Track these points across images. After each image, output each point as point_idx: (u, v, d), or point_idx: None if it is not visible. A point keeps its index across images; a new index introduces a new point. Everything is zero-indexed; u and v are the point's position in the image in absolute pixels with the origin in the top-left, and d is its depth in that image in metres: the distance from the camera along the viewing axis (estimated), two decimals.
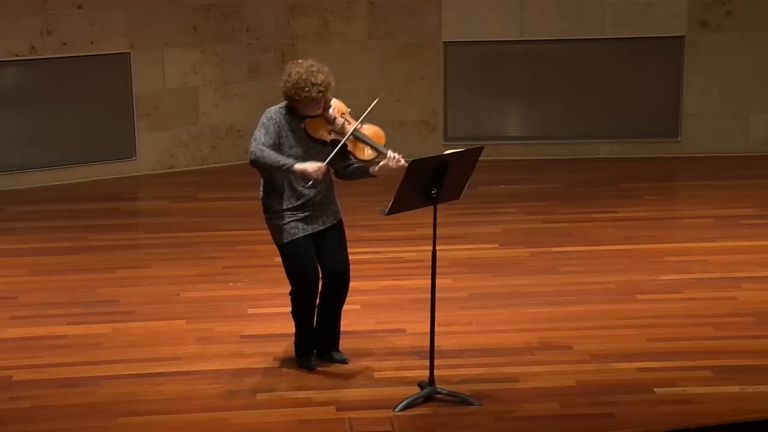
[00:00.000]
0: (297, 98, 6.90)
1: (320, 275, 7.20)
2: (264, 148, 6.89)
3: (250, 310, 8.33)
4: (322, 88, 6.87)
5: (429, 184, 6.65)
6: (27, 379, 7.26)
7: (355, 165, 7.08)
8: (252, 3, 11.98)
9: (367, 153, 6.98)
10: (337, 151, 6.88)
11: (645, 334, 7.87)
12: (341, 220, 7.21)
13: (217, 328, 8.02)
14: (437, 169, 6.63)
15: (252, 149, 6.93)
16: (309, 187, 6.95)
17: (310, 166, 6.83)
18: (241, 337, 7.88)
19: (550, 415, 6.79)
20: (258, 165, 6.95)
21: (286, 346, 7.60)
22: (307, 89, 6.85)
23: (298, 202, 7.02)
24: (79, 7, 11.42)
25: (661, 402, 6.92)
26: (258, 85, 12.09)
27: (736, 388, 7.08)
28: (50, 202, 11.06)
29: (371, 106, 6.94)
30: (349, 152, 7.00)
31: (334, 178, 7.18)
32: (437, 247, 6.86)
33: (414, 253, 9.00)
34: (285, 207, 7.03)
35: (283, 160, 6.88)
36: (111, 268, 9.24)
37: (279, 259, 9.28)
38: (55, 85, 11.51)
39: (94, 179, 11.73)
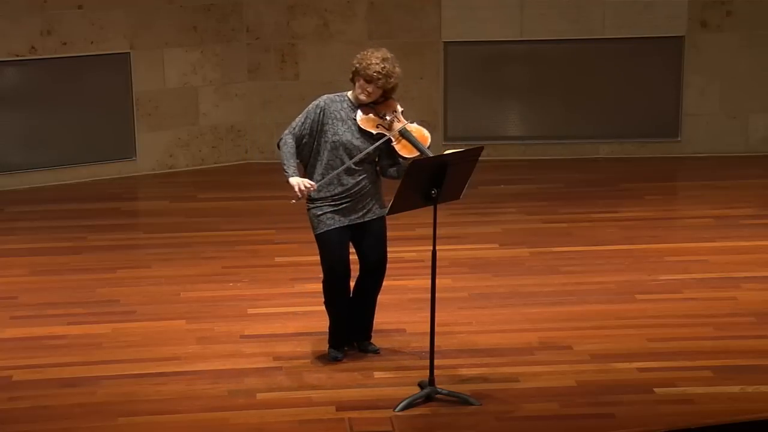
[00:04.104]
0: (357, 66, 7.08)
1: (360, 265, 7.32)
2: (289, 140, 7.11)
3: (250, 310, 8.32)
4: (379, 70, 7.04)
5: (429, 184, 6.65)
6: (27, 379, 7.25)
7: (398, 166, 7.18)
8: (252, 3, 11.97)
9: (410, 151, 7.09)
10: (384, 148, 7.09)
11: (645, 334, 7.86)
12: (384, 216, 7.23)
13: (217, 328, 8.02)
14: (437, 169, 6.63)
15: (283, 133, 7.15)
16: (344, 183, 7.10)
17: (298, 184, 6.99)
18: (241, 337, 7.88)
19: (550, 415, 6.79)
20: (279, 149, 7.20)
21: (287, 346, 7.61)
22: (366, 62, 7.05)
23: (336, 192, 7.10)
24: (79, 7, 11.42)
25: (661, 402, 6.91)
26: (258, 85, 12.09)
27: (736, 388, 7.07)
28: (50, 202, 11.05)
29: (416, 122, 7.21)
30: (393, 148, 7.12)
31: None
32: (437, 247, 6.86)
33: (414, 253, 8.99)
34: (322, 196, 7.11)
35: (287, 165, 7.06)
36: (111, 268, 9.23)
37: (279, 259, 9.36)
38: (55, 85, 11.50)
39: (94, 179, 11.72)
